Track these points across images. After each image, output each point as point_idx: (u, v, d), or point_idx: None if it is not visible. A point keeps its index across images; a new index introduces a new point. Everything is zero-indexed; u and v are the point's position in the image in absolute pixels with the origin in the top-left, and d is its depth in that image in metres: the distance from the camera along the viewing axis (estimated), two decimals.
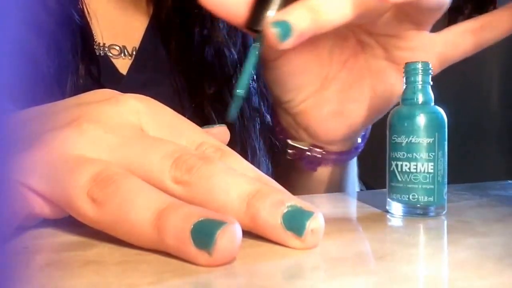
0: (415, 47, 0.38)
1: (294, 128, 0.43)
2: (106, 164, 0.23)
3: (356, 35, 0.39)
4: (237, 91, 0.34)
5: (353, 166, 0.49)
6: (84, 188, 0.22)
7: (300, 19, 0.32)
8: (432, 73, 0.31)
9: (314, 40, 0.38)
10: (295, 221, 0.22)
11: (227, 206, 0.23)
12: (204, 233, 0.20)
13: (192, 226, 0.20)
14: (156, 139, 0.26)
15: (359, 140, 0.45)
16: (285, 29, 0.32)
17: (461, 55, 0.38)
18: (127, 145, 0.25)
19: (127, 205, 0.22)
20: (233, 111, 0.35)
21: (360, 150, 0.46)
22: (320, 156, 0.44)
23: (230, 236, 0.20)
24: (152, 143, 0.25)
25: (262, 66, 0.41)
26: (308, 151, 0.44)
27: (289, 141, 0.44)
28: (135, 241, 0.22)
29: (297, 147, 0.44)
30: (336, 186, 0.47)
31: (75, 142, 0.24)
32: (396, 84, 0.39)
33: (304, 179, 0.46)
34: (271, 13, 0.34)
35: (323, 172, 0.45)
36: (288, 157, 0.45)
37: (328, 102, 0.41)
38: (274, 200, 0.23)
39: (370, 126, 0.46)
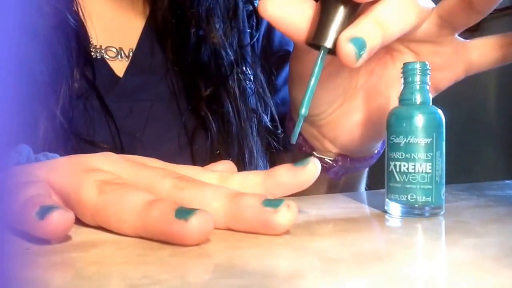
0: (448, 52, 0.38)
1: (318, 140, 0.43)
2: (118, 176, 0.27)
3: None
4: (302, 111, 0.31)
5: (366, 170, 0.49)
6: (95, 182, 0.26)
7: (371, 35, 0.31)
8: (430, 73, 0.32)
9: None
10: (273, 201, 0.25)
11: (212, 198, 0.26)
12: (186, 210, 0.23)
13: (177, 207, 0.23)
14: (161, 168, 0.30)
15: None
16: (360, 46, 0.30)
17: (488, 66, 0.38)
18: (139, 169, 0.29)
19: (124, 194, 0.25)
20: (296, 133, 0.32)
21: (381, 153, 0.46)
22: (346, 165, 0.43)
23: (207, 214, 0.23)
24: (159, 170, 0.29)
25: (294, 83, 0.40)
26: (335, 162, 0.43)
27: (315, 154, 0.44)
28: (124, 221, 0.24)
29: (323, 159, 0.43)
30: (352, 189, 0.48)
31: (97, 159, 0.29)
32: None
33: (325, 188, 0.46)
34: (335, 28, 0.31)
35: (344, 179, 0.46)
36: None
37: (355, 111, 0.40)
38: (254, 194, 0.26)
39: None
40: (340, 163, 0.43)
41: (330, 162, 0.43)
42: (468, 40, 0.38)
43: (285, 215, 0.25)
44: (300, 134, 0.44)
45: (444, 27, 0.36)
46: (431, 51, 0.38)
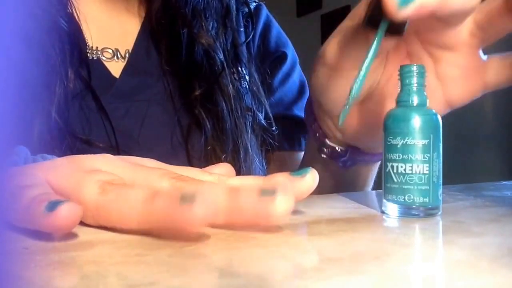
0: (467, 67, 0.36)
1: (331, 129, 0.44)
2: (118, 176, 0.27)
3: (409, 46, 0.38)
4: (353, 94, 0.31)
5: (376, 167, 0.49)
6: (98, 182, 0.26)
7: None
8: (426, 75, 0.32)
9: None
10: (269, 190, 0.25)
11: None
12: (191, 193, 0.23)
13: (180, 194, 0.23)
14: (158, 168, 0.30)
15: None
16: None
17: (506, 84, 0.37)
18: (137, 169, 0.29)
19: (127, 193, 0.25)
20: (344, 115, 0.31)
21: None
22: (355, 156, 0.44)
23: (208, 199, 0.23)
24: (157, 170, 0.29)
25: (334, 75, 0.39)
26: (345, 152, 0.44)
27: (327, 141, 0.44)
28: (126, 214, 0.25)
29: (334, 147, 0.44)
30: (361, 186, 0.48)
31: (96, 160, 0.29)
32: (440, 103, 0.38)
33: (333, 178, 0.46)
34: None
35: (353, 172, 0.46)
36: (323, 156, 0.45)
37: (368, 113, 0.40)
38: (251, 187, 0.26)
39: None
40: (349, 154, 0.44)
41: (340, 151, 0.44)
42: (487, 58, 0.37)
43: (279, 198, 0.24)
44: (315, 120, 0.44)
45: (475, 37, 0.35)
46: (451, 60, 0.37)
